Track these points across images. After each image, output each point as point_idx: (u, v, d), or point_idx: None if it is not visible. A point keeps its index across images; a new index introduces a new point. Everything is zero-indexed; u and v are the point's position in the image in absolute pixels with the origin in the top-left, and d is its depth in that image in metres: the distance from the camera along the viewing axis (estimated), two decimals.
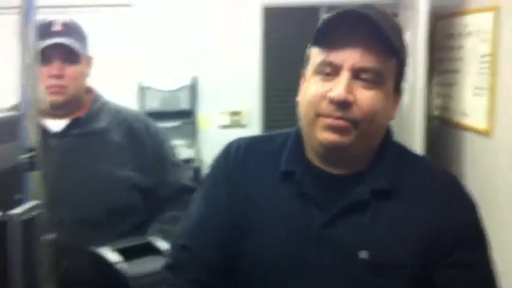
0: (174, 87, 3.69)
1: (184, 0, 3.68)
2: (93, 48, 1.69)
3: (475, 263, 0.99)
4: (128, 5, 3.60)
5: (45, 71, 1.56)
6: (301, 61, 1.06)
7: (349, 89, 0.97)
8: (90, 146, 1.62)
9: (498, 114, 2.81)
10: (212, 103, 3.77)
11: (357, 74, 0.97)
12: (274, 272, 1.02)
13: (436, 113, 3.57)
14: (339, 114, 0.97)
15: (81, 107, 1.66)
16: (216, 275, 1.06)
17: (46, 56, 1.54)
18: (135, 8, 3.62)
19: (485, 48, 2.90)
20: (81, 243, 1.41)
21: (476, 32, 3.01)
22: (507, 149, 2.75)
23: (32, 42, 1.12)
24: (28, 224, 1.07)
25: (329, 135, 0.98)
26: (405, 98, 3.32)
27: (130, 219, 1.60)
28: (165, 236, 1.44)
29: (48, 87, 1.57)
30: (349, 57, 0.97)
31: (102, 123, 1.65)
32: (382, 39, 0.96)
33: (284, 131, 1.14)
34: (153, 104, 3.68)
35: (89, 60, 1.68)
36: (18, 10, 1.11)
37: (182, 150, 3.49)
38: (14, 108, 1.28)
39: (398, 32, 1.02)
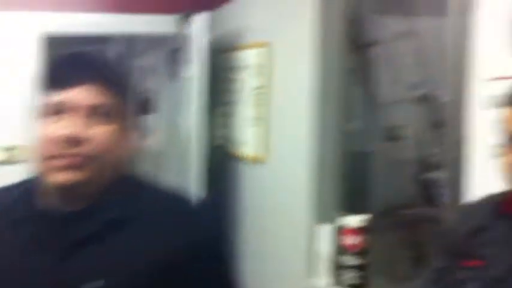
0: None
1: None
2: None
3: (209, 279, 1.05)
4: None
5: None
6: None
7: (81, 126, 0.99)
8: None
9: (272, 144, 3.01)
10: None
11: (88, 111, 1.00)
12: None
13: (218, 143, 3.72)
14: (72, 151, 0.98)
15: None
16: None
17: None
18: None
19: (259, 80, 3.11)
20: None
21: (251, 66, 3.22)
22: (281, 176, 2.96)
23: None
24: None
25: (63, 175, 0.99)
26: (186, 129, 3.41)
27: None
28: None
29: None
30: (78, 95, 1.00)
31: None
32: (104, 78, 1.02)
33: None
34: None
35: None
36: None
37: None
38: None
39: (116, 71, 1.10)
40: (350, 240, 2.23)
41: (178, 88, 3.67)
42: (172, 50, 3.76)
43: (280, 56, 2.92)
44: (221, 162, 3.62)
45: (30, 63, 3.48)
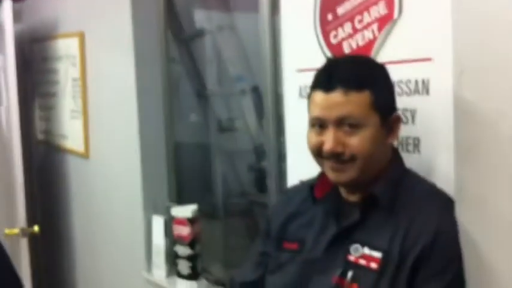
0: None
1: None
2: None
3: None
4: None
5: None
6: None
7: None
8: None
9: (91, 137, 2.90)
10: None
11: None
12: None
13: (40, 137, 3.50)
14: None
15: None
16: None
17: None
18: None
19: (75, 72, 2.95)
20: None
21: (66, 56, 3.05)
22: (102, 170, 2.86)
23: None
24: None
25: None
26: (3, 122, 3.15)
27: None
28: None
29: None
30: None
31: None
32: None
33: None
34: None
35: None
36: None
37: None
38: None
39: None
40: (182, 230, 2.23)
41: None
42: None
43: (95, 47, 2.80)
44: (46, 157, 3.43)
45: None
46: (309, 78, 1.27)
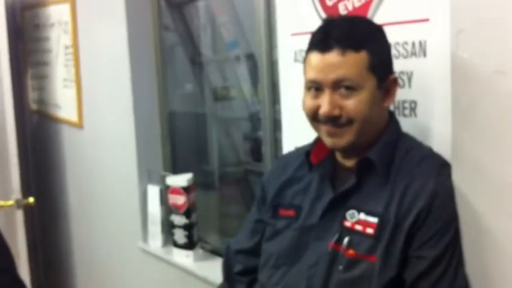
0: None
1: None
2: None
3: None
4: None
5: None
6: None
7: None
8: None
9: (85, 107, 2.86)
10: None
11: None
12: None
13: (34, 107, 3.46)
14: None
15: None
16: None
17: None
18: None
19: (67, 39, 2.90)
20: None
21: (58, 23, 2.99)
22: (96, 140, 2.84)
23: None
24: None
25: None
26: None
27: None
28: None
29: None
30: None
31: None
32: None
33: None
34: None
35: None
36: None
37: None
38: None
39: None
40: (178, 199, 2.22)
41: None
42: None
43: (86, 13, 2.75)
44: (40, 127, 3.40)
45: None
46: (304, 42, 1.24)
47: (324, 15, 1.50)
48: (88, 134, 2.89)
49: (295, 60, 1.63)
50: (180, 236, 2.25)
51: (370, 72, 1.15)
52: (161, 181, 2.41)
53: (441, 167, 1.17)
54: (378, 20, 1.33)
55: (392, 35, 1.25)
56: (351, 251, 1.17)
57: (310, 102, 1.20)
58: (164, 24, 2.51)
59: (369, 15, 1.37)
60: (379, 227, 1.15)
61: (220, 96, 2.62)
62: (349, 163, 1.25)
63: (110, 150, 2.73)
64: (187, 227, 2.22)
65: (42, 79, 3.28)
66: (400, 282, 1.14)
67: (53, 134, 3.25)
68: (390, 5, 1.34)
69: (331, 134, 1.20)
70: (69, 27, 2.85)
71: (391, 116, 1.27)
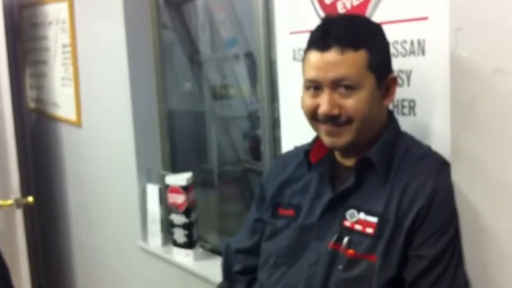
0: None
1: None
2: None
3: None
4: None
5: None
6: None
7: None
8: None
9: (83, 105, 2.86)
10: None
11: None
12: None
13: (32, 105, 3.46)
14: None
15: None
16: None
17: None
18: None
19: (65, 38, 2.89)
20: None
21: (56, 22, 2.98)
22: (94, 139, 2.83)
23: None
24: None
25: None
26: None
27: None
28: None
29: None
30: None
31: None
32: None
33: None
34: None
35: None
36: None
37: None
38: None
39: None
40: (177, 198, 2.22)
41: None
42: None
43: (84, 12, 2.74)
44: (38, 126, 3.39)
45: None
46: (302, 41, 1.24)
47: (322, 14, 1.49)
48: (87, 132, 2.89)
49: (294, 58, 1.62)
50: (179, 235, 2.25)
51: (370, 71, 1.15)
52: (160, 180, 2.41)
53: (441, 166, 1.16)
54: (376, 18, 1.33)
55: (391, 33, 1.25)
56: (350, 251, 1.17)
57: (309, 102, 1.20)
58: (162, 22, 2.50)
59: (367, 13, 1.37)
60: (378, 227, 1.15)
61: (219, 95, 2.62)
62: (349, 162, 1.25)
63: (108, 149, 2.73)
64: (186, 226, 2.22)
65: (41, 78, 3.28)
66: (400, 282, 1.14)
67: (52, 132, 3.24)
68: (388, 3, 1.34)
69: (330, 133, 1.19)
70: (67, 26, 2.84)
71: (390, 115, 1.27)
